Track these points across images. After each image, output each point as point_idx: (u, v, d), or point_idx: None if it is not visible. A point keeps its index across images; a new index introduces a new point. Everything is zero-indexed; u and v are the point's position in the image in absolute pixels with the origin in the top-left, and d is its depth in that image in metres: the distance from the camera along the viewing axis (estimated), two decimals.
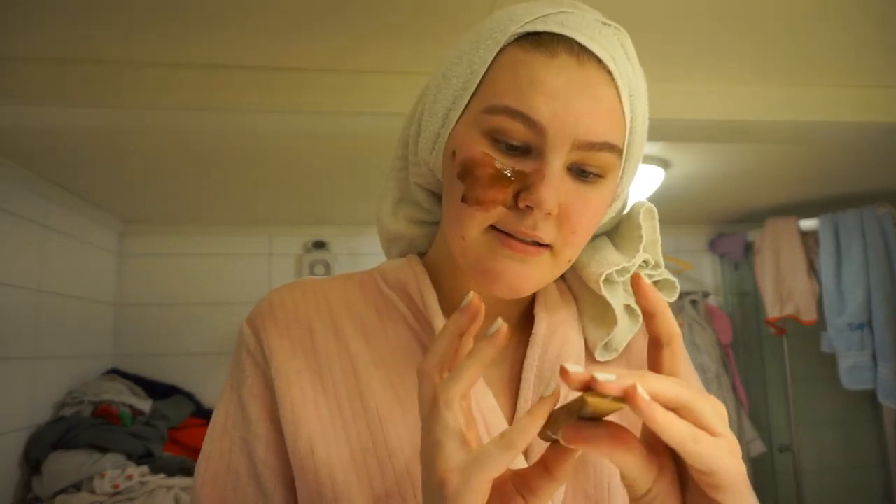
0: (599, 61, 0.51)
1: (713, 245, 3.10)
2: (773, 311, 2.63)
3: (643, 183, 2.16)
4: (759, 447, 2.78)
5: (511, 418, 0.57)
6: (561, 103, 0.49)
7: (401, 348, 0.59)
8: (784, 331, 2.73)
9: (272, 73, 1.43)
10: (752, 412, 2.90)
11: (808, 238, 2.63)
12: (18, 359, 2.00)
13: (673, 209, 2.77)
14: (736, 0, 1.22)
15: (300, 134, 1.71)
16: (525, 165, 0.50)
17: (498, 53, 0.52)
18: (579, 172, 0.52)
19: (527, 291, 0.54)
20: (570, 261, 0.55)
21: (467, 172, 0.51)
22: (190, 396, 2.58)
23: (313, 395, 0.56)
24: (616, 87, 0.51)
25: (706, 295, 3.00)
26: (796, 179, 2.40)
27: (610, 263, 0.58)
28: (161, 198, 2.39)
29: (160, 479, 1.99)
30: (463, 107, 0.54)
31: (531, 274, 0.53)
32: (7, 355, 1.94)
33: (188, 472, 2.11)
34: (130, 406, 2.26)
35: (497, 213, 0.51)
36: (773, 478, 2.90)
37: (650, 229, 0.60)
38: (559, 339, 0.59)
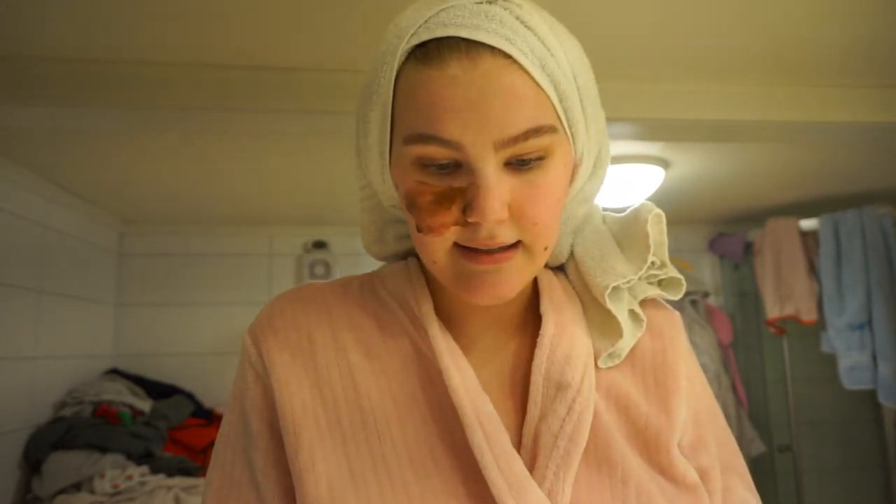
0: (493, 48, 0.48)
1: (713, 245, 3.10)
2: (773, 311, 2.63)
3: (643, 183, 2.16)
4: (759, 447, 2.78)
5: (520, 422, 0.56)
6: (467, 113, 0.47)
7: (399, 356, 0.58)
8: (784, 331, 2.73)
9: (272, 72, 1.43)
10: (752, 412, 2.90)
11: (808, 238, 2.63)
12: (18, 358, 2.00)
13: (673, 209, 2.77)
14: (736, 0, 1.22)
15: (300, 134, 1.71)
16: (461, 180, 0.49)
17: (397, 77, 0.51)
18: (518, 164, 0.50)
19: (511, 294, 0.53)
20: (546, 248, 0.53)
21: (412, 204, 0.51)
22: (190, 396, 2.57)
23: (313, 406, 0.56)
24: (522, 67, 0.48)
25: (706, 295, 3.00)
26: (796, 179, 2.40)
27: (617, 275, 0.57)
28: (161, 198, 2.39)
29: (160, 479, 1.99)
30: (388, 141, 0.53)
31: (509, 278, 0.52)
32: (7, 354, 1.94)
33: (188, 472, 2.11)
34: (130, 406, 2.26)
35: (454, 233, 0.51)
36: (773, 478, 2.90)
37: (657, 233, 0.59)
38: (567, 339, 0.57)
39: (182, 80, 1.41)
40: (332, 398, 0.56)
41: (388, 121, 0.52)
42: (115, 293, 2.70)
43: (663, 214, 0.59)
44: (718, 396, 2.73)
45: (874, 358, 2.35)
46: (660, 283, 0.62)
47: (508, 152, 0.49)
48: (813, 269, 2.61)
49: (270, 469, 0.56)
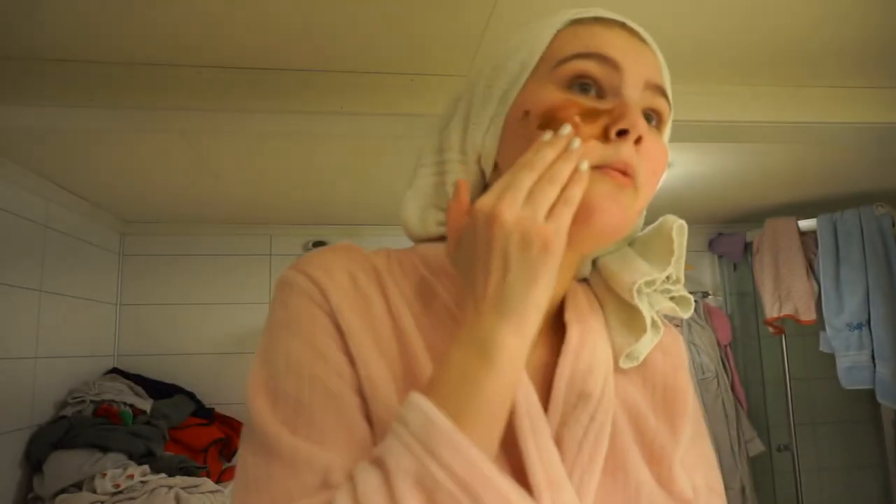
0: (644, 42, 0.56)
1: (712, 245, 3.11)
2: (771, 311, 2.64)
3: None
4: (758, 447, 2.78)
5: None
6: (628, 49, 0.54)
7: (440, 337, 0.56)
8: (783, 330, 2.73)
9: (272, 73, 1.43)
10: (751, 412, 2.90)
11: (807, 238, 2.63)
12: (20, 358, 2.01)
13: (673, 209, 2.76)
14: (736, 1, 1.22)
15: (300, 134, 1.72)
16: (605, 104, 0.53)
17: (555, 35, 0.56)
18: (647, 118, 0.55)
19: (617, 230, 0.54)
20: (641, 211, 0.57)
21: (552, 119, 0.53)
22: (191, 396, 2.58)
23: (376, 366, 0.52)
24: (660, 64, 0.57)
25: (705, 295, 3.00)
26: (796, 179, 2.41)
27: (643, 273, 0.59)
28: (161, 198, 2.40)
29: (161, 478, 2.00)
30: (524, 81, 0.56)
31: (623, 210, 0.53)
32: (8, 354, 1.95)
33: (189, 471, 2.11)
34: (131, 405, 2.26)
35: (591, 150, 0.52)
36: (773, 477, 2.91)
37: (679, 246, 0.60)
38: (589, 348, 0.58)
39: (182, 80, 1.41)
40: (389, 364, 0.53)
41: (535, 61, 0.56)
42: (116, 293, 2.71)
43: (686, 226, 0.61)
44: (717, 396, 2.74)
45: (872, 358, 2.36)
46: (672, 301, 0.63)
47: (648, 97, 0.55)
48: (811, 269, 2.62)
49: (354, 395, 0.51)
